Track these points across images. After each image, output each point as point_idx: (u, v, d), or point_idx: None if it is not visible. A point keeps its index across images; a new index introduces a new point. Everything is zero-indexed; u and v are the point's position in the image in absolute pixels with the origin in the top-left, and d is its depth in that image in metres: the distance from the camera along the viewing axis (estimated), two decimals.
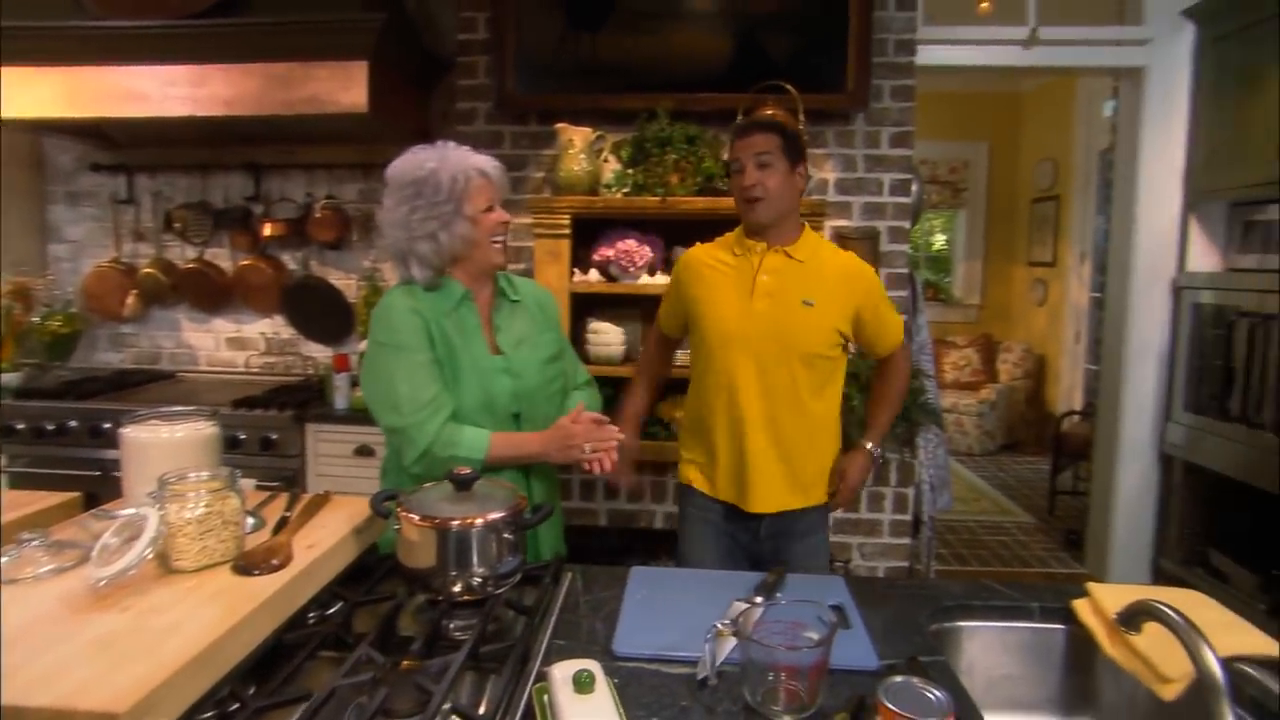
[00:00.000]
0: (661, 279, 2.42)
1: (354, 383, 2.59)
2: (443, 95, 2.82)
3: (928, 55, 2.64)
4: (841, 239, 2.54)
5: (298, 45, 2.31)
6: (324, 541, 1.06)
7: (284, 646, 0.92)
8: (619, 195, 2.41)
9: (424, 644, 0.92)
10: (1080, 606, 1.09)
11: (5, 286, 2.81)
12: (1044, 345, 5.60)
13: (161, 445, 1.08)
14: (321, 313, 2.98)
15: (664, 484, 2.67)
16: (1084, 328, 5.01)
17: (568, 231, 2.37)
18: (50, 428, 2.49)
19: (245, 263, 2.96)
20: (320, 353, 3.03)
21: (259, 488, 1.27)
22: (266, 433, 2.45)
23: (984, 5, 3.31)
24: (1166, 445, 2.99)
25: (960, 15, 3.06)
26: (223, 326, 3.09)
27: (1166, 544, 3.03)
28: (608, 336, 2.45)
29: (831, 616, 0.89)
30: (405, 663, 0.87)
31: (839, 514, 2.64)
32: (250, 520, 1.07)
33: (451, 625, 1.00)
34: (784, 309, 1.54)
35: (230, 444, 2.39)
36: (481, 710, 0.83)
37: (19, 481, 2.47)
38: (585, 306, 2.52)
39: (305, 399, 2.60)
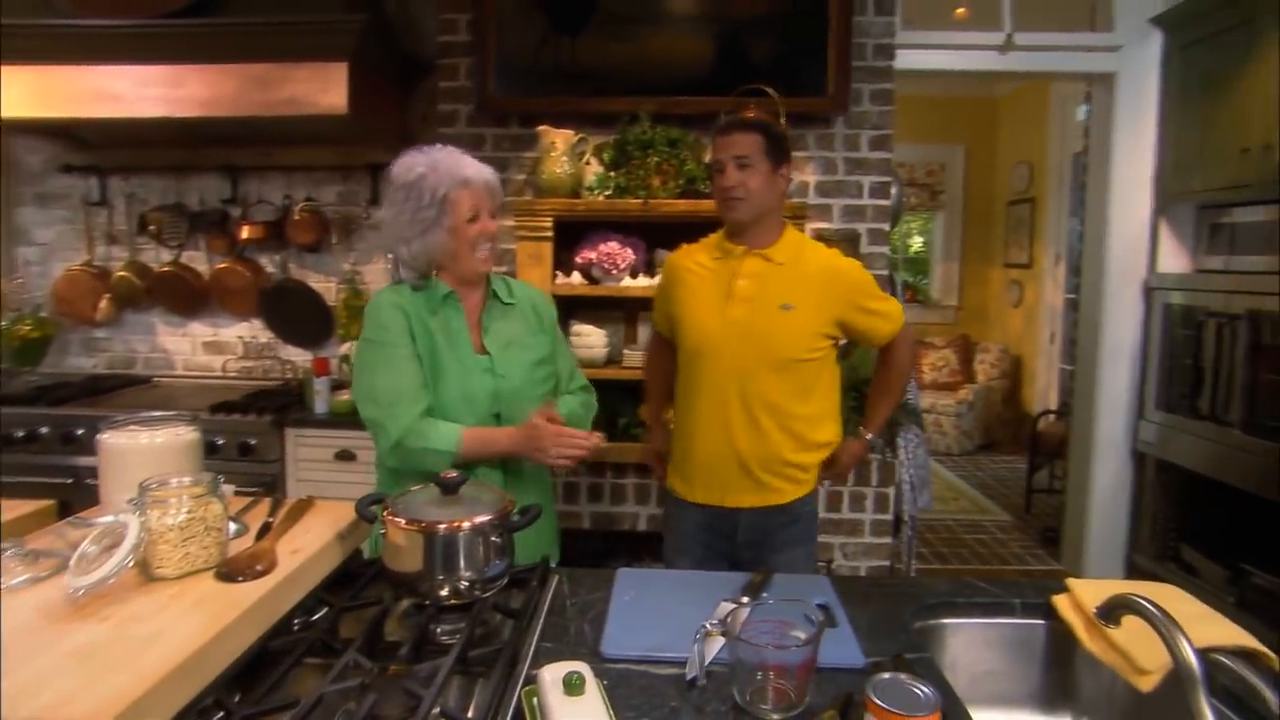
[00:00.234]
0: (644, 281, 2.43)
1: (334, 386, 2.56)
2: (424, 97, 2.80)
3: (906, 60, 2.68)
4: (821, 241, 2.56)
5: (276, 46, 2.28)
6: (308, 547, 1.05)
7: (269, 654, 0.91)
8: (601, 198, 2.42)
9: (412, 649, 0.91)
10: (1060, 602, 1.11)
11: None
12: (1020, 346, 5.69)
13: (141, 451, 1.06)
14: (300, 316, 2.95)
15: (647, 486, 2.68)
16: (1059, 328, 5.10)
17: (550, 234, 2.37)
18: (20, 435, 2.43)
19: (222, 266, 2.92)
20: (299, 356, 2.99)
21: (238, 494, 1.25)
22: (245, 438, 2.42)
23: (960, 11, 3.36)
24: (1139, 443, 3.05)
25: (937, 20, 3.11)
26: (199, 330, 3.05)
27: (1140, 540, 3.09)
28: (590, 339, 2.45)
29: (819, 615, 0.89)
30: (393, 668, 0.86)
31: (820, 514, 2.66)
32: (233, 526, 1.06)
33: (439, 629, 0.99)
34: (761, 314, 1.53)
35: (208, 449, 2.32)
36: (470, 714, 0.83)
37: None
38: (568, 309, 2.51)
39: (284, 403, 2.57)
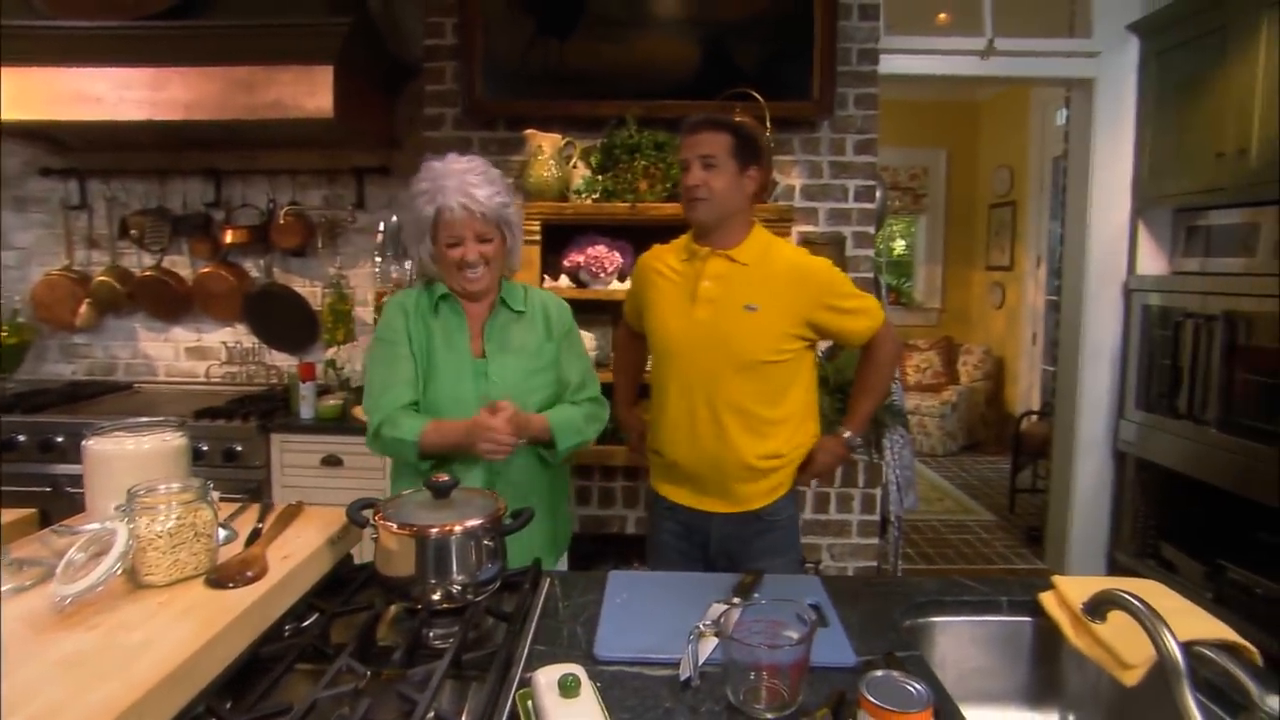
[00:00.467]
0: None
1: (320, 392, 2.55)
2: (410, 101, 2.79)
3: (889, 64, 2.71)
4: (807, 244, 2.59)
5: (261, 49, 2.27)
6: (299, 552, 1.05)
7: (261, 661, 0.90)
8: (588, 201, 2.42)
9: (405, 653, 0.91)
10: (1046, 599, 1.13)
11: None
12: (1002, 347, 5.76)
13: (128, 457, 1.05)
14: (285, 321, 2.92)
15: (635, 489, 2.68)
16: (1040, 329, 5.17)
17: (537, 237, 2.37)
18: None
19: (205, 270, 2.89)
20: (285, 362, 2.97)
21: (222, 500, 1.24)
22: (230, 444, 2.39)
23: (942, 16, 3.41)
24: (1120, 442, 3.10)
25: (920, 26, 3.15)
26: (182, 336, 3.01)
27: (1121, 538, 3.14)
28: None
29: (811, 615, 0.90)
30: (386, 673, 0.86)
31: (808, 515, 2.68)
32: (222, 532, 1.05)
33: (431, 634, 0.99)
34: (725, 316, 1.51)
35: (192, 456, 2.33)
36: (465, 718, 0.83)
37: None
38: None
39: (270, 409, 2.54)
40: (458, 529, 1.00)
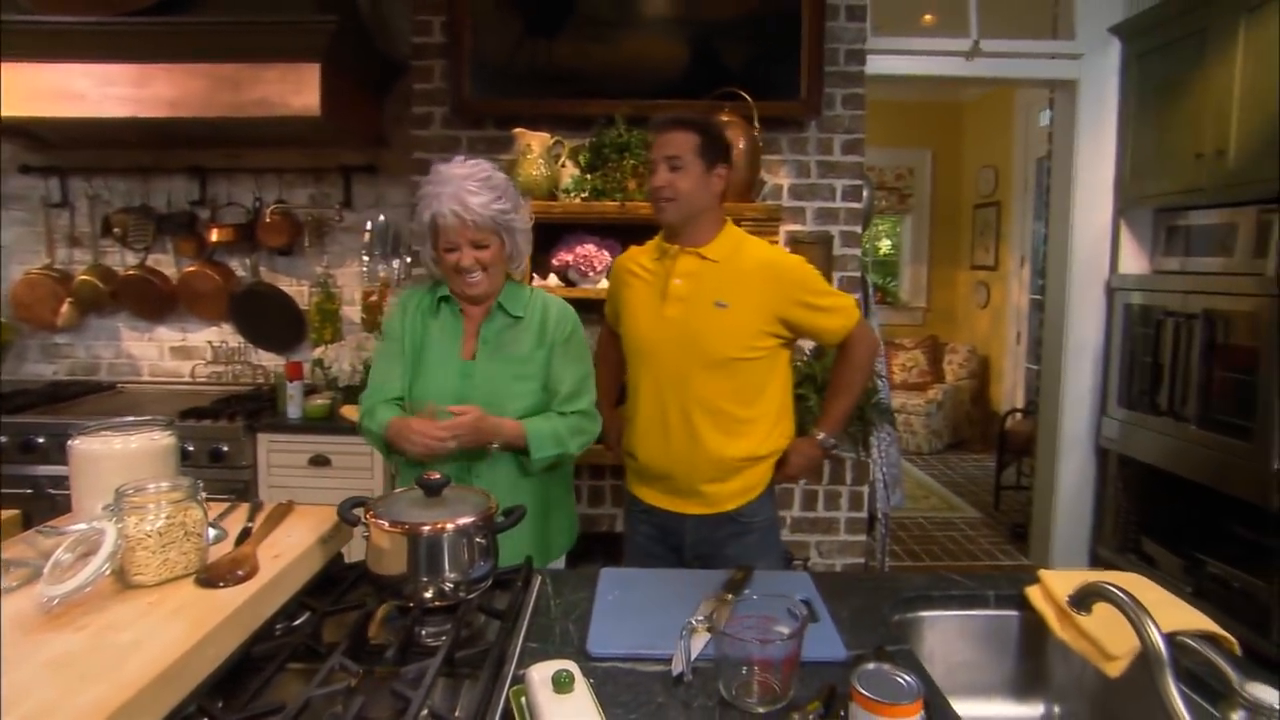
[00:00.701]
0: None
1: (307, 391, 2.53)
2: (398, 99, 2.78)
3: (875, 65, 2.73)
4: (795, 243, 2.61)
5: (247, 46, 2.25)
6: (290, 551, 1.04)
7: (252, 660, 0.90)
8: (577, 200, 2.42)
9: (397, 651, 0.90)
10: (1033, 593, 1.14)
11: None
12: (987, 346, 5.82)
13: (115, 457, 1.04)
14: (272, 320, 2.90)
15: (623, 488, 2.68)
16: (1025, 328, 5.22)
17: None
18: None
19: (190, 269, 2.86)
20: (271, 361, 2.95)
21: (209, 501, 1.23)
22: (216, 444, 2.37)
23: (928, 18, 3.43)
24: (1102, 439, 3.14)
25: (906, 27, 3.18)
26: (166, 335, 2.98)
27: (1103, 533, 3.18)
28: None
29: (802, 610, 0.91)
30: (379, 671, 0.86)
31: (796, 513, 2.69)
32: (212, 532, 1.04)
33: (424, 632, 0.99)
34: (695, 313, 1.50)
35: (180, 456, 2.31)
36: (459, 714, 0.83)
37: None
38: None
39: (256, 408, 2.52)
40: (450, 527, 1.00)
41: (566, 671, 0.82)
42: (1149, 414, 2.84)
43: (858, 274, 2.70)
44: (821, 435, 1.64)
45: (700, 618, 0.99)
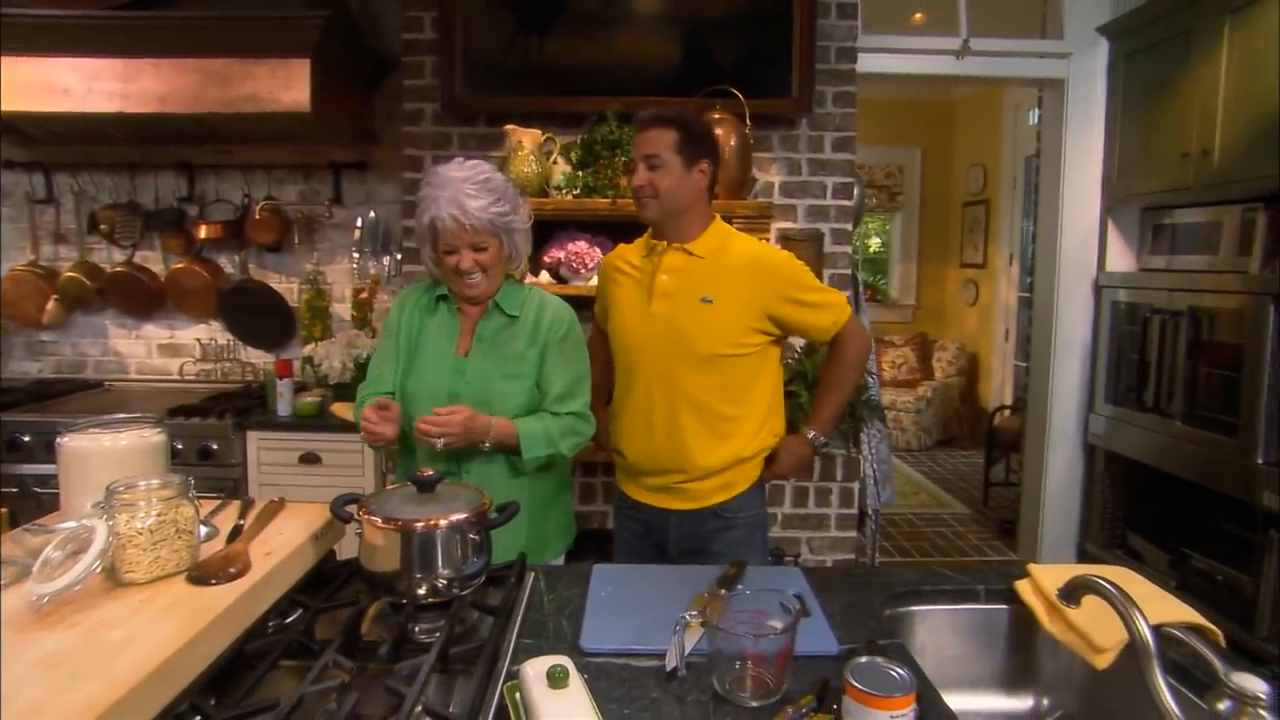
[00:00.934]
0: None
1: (297, 388, 2.52)
2: (389, 95, 2.77)
3: (866, 63, 2.74)
4: (786, 241, 2.61)
5: (236, 41, 2.24)
6: (282, 548, 1.04)
7: (245, 657, 0.90)
8: (568, 197, 2.42)
9: (391, 648, 0.90)
10: (1022, 587, 1.16)
11: None
12: (976, 343, 5.86)
13: (105, 454, 1.04)
14: (261, 317, 2.88)
15: (615, 485, 2.68)
16: (1013, 326, 5.26)
17: None
18: None
19: (179, 266, 2.84)
20: (260, 358, 2.93)
21: (199, 498, 1.22)
22: (205, 442, 2.36)
23: (918, 17, 3.45)
24: (1090, 435, 3.17)
25: (896, 25, 3.19)
26: (154, 333, 2.96)
27: (1090, 529, 3.21)
28: None
29: (795, 605, 0.92)
30: (373, 667, 0.86)
31: (786, 509, 2.71)
32: (204, 529, 1.04)
33: (417, 628, 0.99)
34: (681, 309, 1.50)
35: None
36: (453, 710, 0.83)
37: None
38: None
39: (246, 406, 2.51)
40: (443, 523, 1.00)
41: (561, 667, 0.82)
42: (1136, 410, 2.87)
43: (848, 271, 2.71)
44: (812, 433, 1.63)
45: (693, 613, 1.00)
